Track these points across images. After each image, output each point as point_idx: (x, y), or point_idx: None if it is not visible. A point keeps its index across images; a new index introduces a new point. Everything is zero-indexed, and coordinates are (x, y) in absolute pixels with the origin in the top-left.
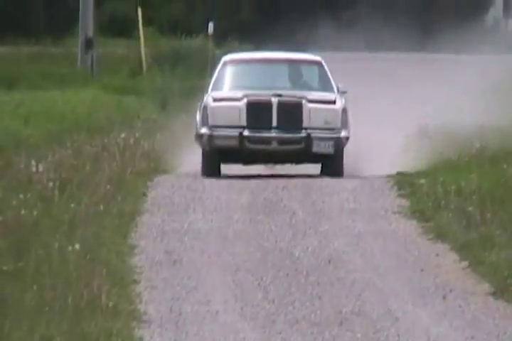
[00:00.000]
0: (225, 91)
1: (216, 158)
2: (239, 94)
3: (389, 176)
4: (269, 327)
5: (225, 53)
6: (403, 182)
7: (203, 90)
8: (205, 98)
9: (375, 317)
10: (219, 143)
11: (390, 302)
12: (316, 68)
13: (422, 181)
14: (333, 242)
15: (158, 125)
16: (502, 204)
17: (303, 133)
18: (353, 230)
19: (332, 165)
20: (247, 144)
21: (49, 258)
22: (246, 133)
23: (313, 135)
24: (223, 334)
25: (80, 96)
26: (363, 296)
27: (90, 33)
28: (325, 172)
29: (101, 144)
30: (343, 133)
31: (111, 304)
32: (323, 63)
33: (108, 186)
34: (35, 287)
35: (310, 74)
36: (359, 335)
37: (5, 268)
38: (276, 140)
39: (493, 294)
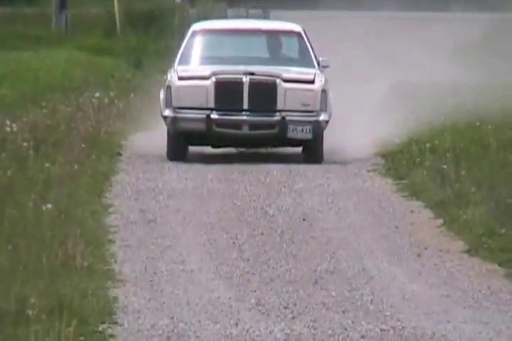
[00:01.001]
0: (192, 67)
1: (181, 141)
2: (207, 71)
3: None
4: (244, 286)
5: (196, 19)
6: (377, 140)
7: (173, 55)
8: (169, 74)
9: (350, 276)
10: (184, 126)
11: (364, 261)
12: (295, 39)
13: (396, 140)
14: (307, 200)
15: (132, 85)
16: (476, 162)
17: (277, 117)
18: (327, 188)
19: (310, 150)
20: (215, 128)
21: (23, 218)
22: (214, 115)
23: (288, 118)
24: (198, 293)
25: (55, 57)
26: (337, 254)
27: None
28: (303, 157)
29: (75, 104)
30: (322, 117)
31: (86, 264)
32: (303, 33)
33: (83, 145)
34: (9, 247)
35: (288, 47)
36: (334, 294)
37: None
38: (248, 124)
39: (468, 252)
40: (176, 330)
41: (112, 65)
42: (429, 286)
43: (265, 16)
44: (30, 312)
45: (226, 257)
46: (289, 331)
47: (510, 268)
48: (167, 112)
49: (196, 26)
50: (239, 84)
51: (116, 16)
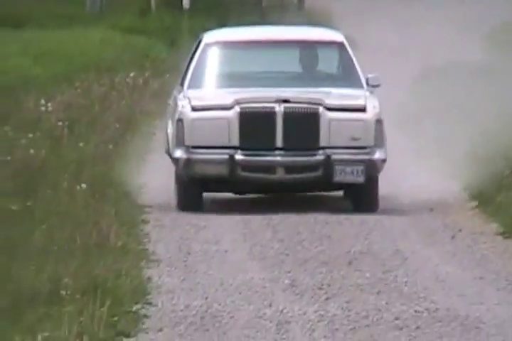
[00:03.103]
0: (208, 92)
1: (197, 188)
2: (228, 99)
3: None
4: (278, 267)
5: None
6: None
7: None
8: (179, 102)
9: (384, 257)
10: (201, 170)
11: (398, 243)
12: (336, 52)
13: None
14: None
15: (167, 64)
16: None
17: (320, 156)
18: None
19: (362, 197)
20: (241, 172)
21: (57, 197)
22: (239, 156)
23: (334, 157)
24: (232, 274)
25: (89, 36)
26: (371, 236)
27: None
28: (353, 205)
29: (110, 84)
30: (377, 154)
31: (119, 244)
32: (346, 44)
33: (117, 125)
34: (43, 227)
35: (328, 62)
36: (368, 275)
37: (13, 207)
38: (283, 166)
39: (502, 234)
40: (209, 311)
41: (147, 45)
42: (463, 268)
43: (300, 2)
44: (63, 292)
45: (260, 238)
46: (322, 312)
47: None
48: (179, 153)
49: (209, 37)
50: (270, 115)
51: None
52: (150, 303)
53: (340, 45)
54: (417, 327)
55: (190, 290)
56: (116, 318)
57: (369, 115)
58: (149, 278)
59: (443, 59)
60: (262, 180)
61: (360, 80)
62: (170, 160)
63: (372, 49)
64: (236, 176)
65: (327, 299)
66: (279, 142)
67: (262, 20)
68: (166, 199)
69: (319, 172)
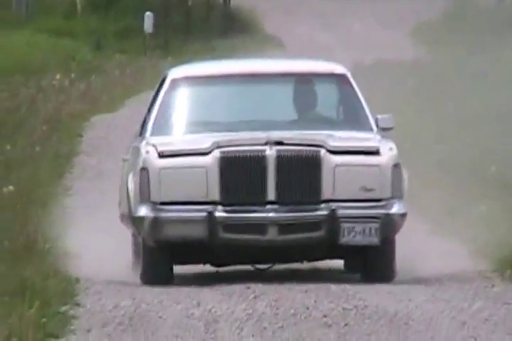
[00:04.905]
0: (179, 137)
1: (166, 257)
2: (205, 142)
3: None
4: (205, 267)
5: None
6: None
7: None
8: (142, 149)
9: None
10: (172, 232)
11: None
12: (337, 87)
13: None
14: None
15: (93, 66)
16: None
17: (323, 211)
18: None
19: (376, 264)
20: (223, 233)
21: None
22: (220, 213)
23: (341, 213)
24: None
25: (15, 39)
26: None
27: None
28: (364, 274)
29: (36, 86)
30: (395, 208)
31: (47, 246)
32: (350, 77)
33: (44, 127)
34: None
35: (327, 99)
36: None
37: None
38: (276, 224)
39: (431, 230)
40: (137, 311)
41: (73, 47)
42: None
43: (226, 0)
44: None
45: None
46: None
47: (472, 247)
48: (143, 211)
49: (176, 72)
50: (260, 160)
51: None
52: (78, 304)
53: (343, 78)
54: (346, 324)
55: (119, 291)
56: (45, 319)
57: (384, 158)
58: (77, 280)
59: (371, 57)
60: (250, 243)
61: (368, 121)
62: (128, 228)
63: (299, 47)
64: (217, 239)
65: (255, 298)
66: (270, 194)
67: (187, 20)
68: (93, 201)
69: (322, 232)
